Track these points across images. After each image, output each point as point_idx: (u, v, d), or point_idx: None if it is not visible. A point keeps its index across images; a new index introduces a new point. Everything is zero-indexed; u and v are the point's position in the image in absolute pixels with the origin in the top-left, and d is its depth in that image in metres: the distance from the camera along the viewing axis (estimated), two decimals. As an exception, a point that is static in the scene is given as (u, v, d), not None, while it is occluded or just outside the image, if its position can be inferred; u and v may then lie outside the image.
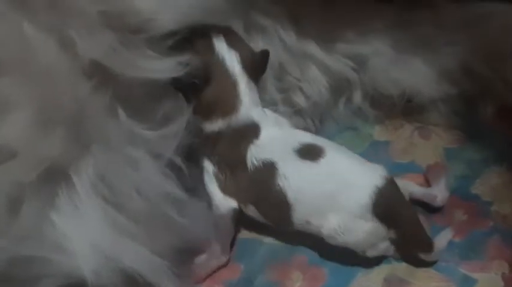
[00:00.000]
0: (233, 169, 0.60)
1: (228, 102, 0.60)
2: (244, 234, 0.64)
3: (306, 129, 0.68)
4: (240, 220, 0.62)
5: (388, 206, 0.57)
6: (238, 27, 0.63)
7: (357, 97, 0.70)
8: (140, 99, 0.57)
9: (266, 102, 0.65)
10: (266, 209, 0.60)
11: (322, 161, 0.59)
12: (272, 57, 0.63)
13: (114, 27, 0.53)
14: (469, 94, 0.68)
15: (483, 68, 0.66)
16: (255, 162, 0.59)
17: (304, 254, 0.62)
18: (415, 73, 0.68)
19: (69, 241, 0.51)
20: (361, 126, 0.71)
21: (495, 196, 0.63)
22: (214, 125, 0.60)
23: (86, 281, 0.51)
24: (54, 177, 0.52)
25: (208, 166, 0.60)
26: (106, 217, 0.53)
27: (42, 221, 0.51)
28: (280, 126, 0.62)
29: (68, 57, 0.52)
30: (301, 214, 0.58)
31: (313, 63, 0.68)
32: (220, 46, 0.59)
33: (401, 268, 0.59)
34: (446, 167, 0.65)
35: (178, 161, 0.58)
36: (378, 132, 0.70)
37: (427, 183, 0.64)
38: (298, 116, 0.70)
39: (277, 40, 0.66)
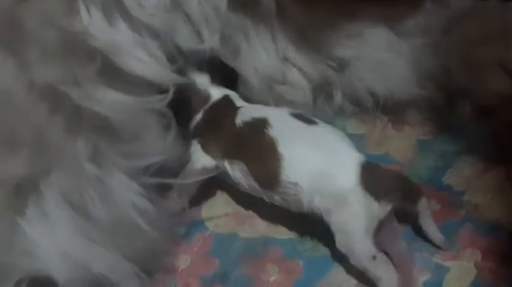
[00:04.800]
0: (219, 132, 0.65)
1: (203, 99, 0.68)
2: (220, 229, 0.65)
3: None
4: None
5: (375, 182, 0.57)
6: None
7: (337, 96, 0.70)
8: (107, 126, 0.57)
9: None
10: (254, 165, 0.62)
11: (314, 128, 0.62)
12: (256, 63, 0.68)
13: (71, 52, 0.54)
14: (448, 95, 0.68)
15: (463, 74, 0.66)
16: (245, 119, 0.64)
17: (280, 247, 0.62)
18: (396, 76, 0.68)
19: (39, 248, 0.52)
20: (335, 120, 0.71)
21: (467, 186, 0.63)
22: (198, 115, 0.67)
23: (57, 285, 0.52)
24: (25, 189, 0.53)
25: (195, 139, 0.66)
26: (75, 225, 0.54)
27: (12, 230, 0.52)
28: None
29: (26, 80, 0.52)
30: (291, 173, 0.59)
31: (294, 66, 0.68)
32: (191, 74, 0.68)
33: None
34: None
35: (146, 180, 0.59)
36: (352, 125, 0.71)
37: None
38: None
39: (259, 46, 0.67)
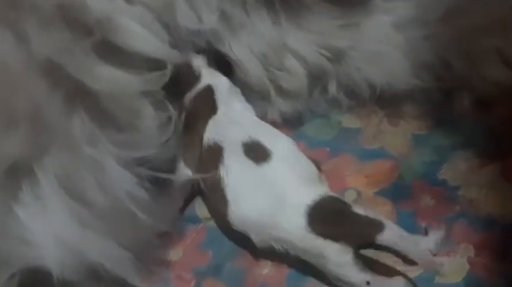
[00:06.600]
0: (193, 140, 0.63)
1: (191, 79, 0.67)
2: (213, 222, 0.65)
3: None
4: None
5: (326, 222, 0.56)
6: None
7: (332, 87, 0.70)
8: (103, 104, 0.56)
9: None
10: (209, 193, 0.61)
11: (263, 167, 0.59)
12: (253, 44, 0.67)
13: (69, 25, 0.53)
14: (446, 86, 0.68)
15: (461, 64, 0.66)
16: (209, 140, 0.62)
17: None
18: (393, 67, 0.68)
19: (33, 234, 0.52)
20: (331, 114, 0.71)
21: (462, 181, 0.63)
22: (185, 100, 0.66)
23: (52, 274, 0.52)
24: (18, 172, 0.52)
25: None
26: (70, 211, 0.53)
27: (6, 216, 0.52)
28: (244, 112, 0.65)
29: (24, 54, 0.52)
30: (238, 218, 0.58)
31: (292, 52, 0.68)
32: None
33: (367, 253, 0.59)
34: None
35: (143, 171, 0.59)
36: (347, 120, 0.71)
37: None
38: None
39: (258, 33, 0.66)
